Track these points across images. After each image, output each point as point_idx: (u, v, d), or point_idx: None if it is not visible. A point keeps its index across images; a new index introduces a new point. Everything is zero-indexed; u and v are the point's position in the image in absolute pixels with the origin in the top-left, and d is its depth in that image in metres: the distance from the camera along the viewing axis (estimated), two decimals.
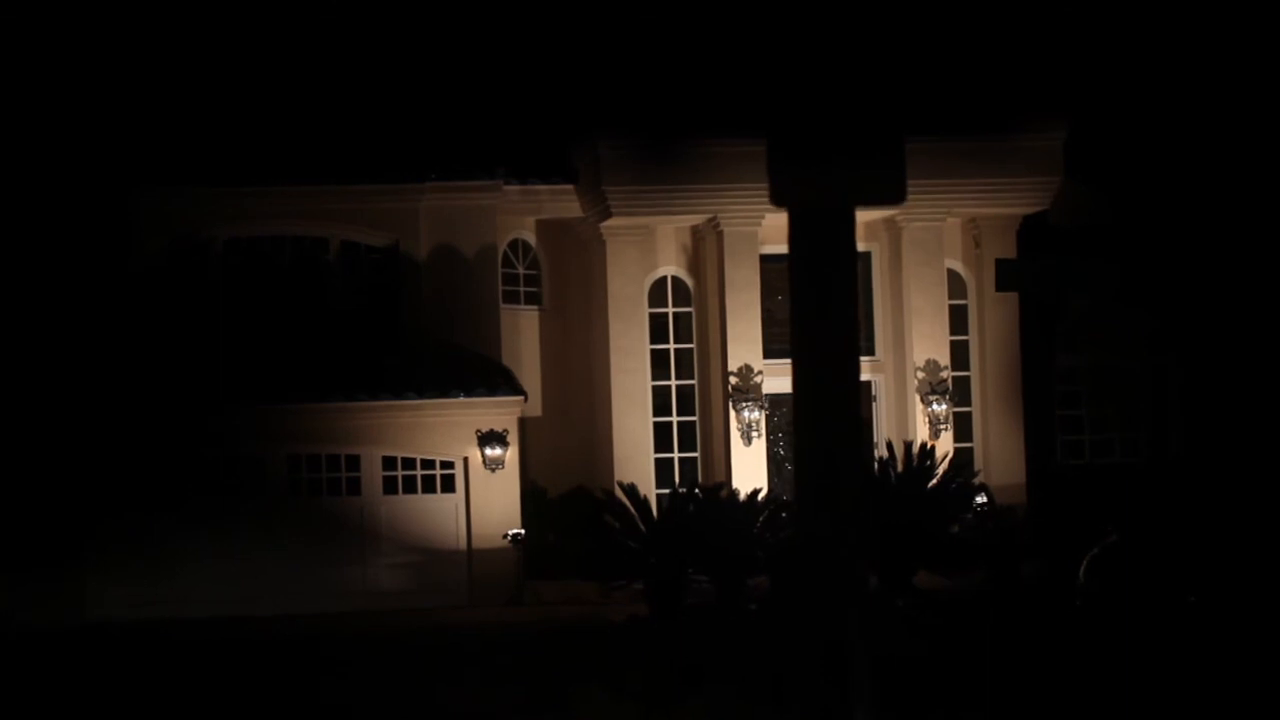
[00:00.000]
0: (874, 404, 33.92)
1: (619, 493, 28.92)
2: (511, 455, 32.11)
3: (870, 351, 33.97)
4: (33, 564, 30.85)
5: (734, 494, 29.16)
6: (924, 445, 30.00)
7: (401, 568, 32.11)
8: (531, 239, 34.73)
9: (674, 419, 33.69)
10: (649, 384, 33.49)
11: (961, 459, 31.37)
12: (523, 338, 34.37)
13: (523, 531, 31.77)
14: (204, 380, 32.11)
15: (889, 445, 30.04)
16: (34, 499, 31.06)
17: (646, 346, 33.49)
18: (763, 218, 32.67)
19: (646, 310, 33.55)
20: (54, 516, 31.09)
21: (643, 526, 28.77)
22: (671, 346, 33.88)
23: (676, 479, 32.92)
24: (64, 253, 32.30)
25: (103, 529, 31.23)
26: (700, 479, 32.46)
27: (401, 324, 33.43)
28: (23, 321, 32.08)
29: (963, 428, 33.56)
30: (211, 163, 32.62)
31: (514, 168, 33.36)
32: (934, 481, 29.10)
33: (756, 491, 29.88)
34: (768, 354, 32.90)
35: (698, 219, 33.37)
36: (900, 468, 29.20)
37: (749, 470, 32.25)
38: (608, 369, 33.30)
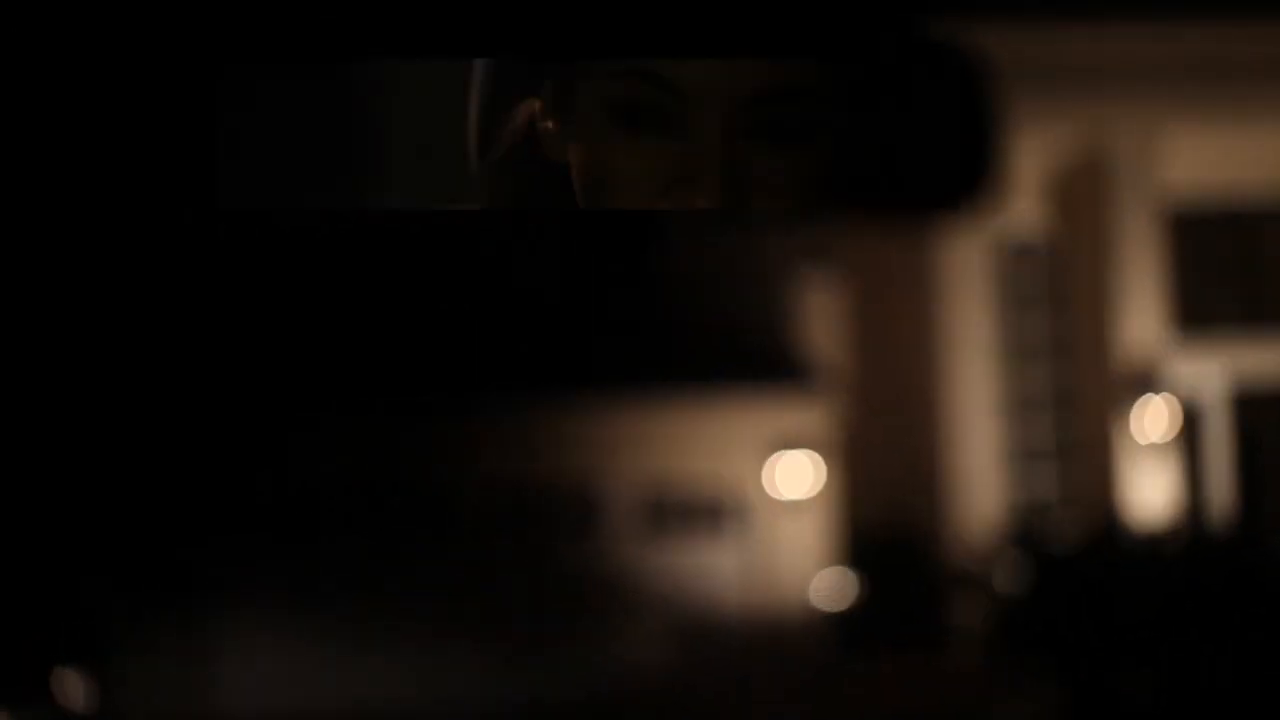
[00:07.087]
0: None
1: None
2: (820, 477, 22.59)
3: None
4: (159, 644, 22.09)
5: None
6: None
7: (661, 638, 22.68)
8: None
9: (1036, 424, 23.96)
10: (999, 377, 23.77)
11: None
12: (817, 311, 24.86)
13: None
14: (358, 372, 22.84)
15: None
16: (157, 562, 22.42)
17: (996, 324, 23.81)
18: (1161, 141, 23.18)
19: (994, 274, 23.89)
20: (182, 583, 22.47)
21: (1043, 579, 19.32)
22: (1029, 325, 24.17)
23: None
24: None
25: (238, 594, 22.23)
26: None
27: (646, 286, 24.00)
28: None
29: None
30: None
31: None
32: None
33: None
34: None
35: (1068, 142, 23.68)
36: None
37: (1151, 496, 22.50)
38: (943, 355, 23.59)
